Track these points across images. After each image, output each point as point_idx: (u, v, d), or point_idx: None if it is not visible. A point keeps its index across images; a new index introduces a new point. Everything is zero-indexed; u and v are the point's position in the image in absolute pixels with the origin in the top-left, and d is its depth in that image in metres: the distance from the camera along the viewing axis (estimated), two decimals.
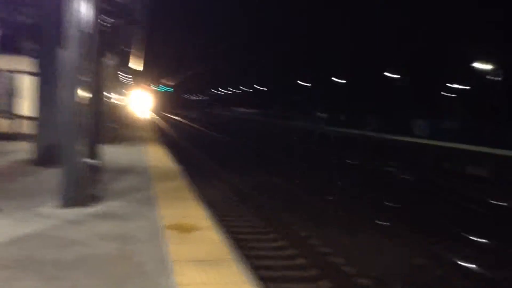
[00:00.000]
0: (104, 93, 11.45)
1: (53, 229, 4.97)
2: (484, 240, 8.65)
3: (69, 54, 5.56)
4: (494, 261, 7.76)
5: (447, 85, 35.14)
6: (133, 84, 35.80)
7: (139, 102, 51.68)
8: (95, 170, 6.47)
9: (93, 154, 6.45)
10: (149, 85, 66.47)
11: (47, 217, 5.41)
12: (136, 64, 24.03)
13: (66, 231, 4.93)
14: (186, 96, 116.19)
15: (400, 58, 35.81)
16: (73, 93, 5.58)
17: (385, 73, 37.36)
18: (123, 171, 9.47)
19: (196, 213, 5.95)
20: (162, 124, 48.11)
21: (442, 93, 35.12)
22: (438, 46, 31.68)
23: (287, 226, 9.26)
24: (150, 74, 53.86)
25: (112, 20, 7.98)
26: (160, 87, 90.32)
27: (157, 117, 59.33)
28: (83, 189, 6.01)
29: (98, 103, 6.81)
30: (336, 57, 43.42)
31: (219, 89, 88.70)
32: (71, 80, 5.53)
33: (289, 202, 11.70)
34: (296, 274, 7.00)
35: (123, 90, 27.44)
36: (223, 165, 17.68)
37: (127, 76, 29.58)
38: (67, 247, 4.35)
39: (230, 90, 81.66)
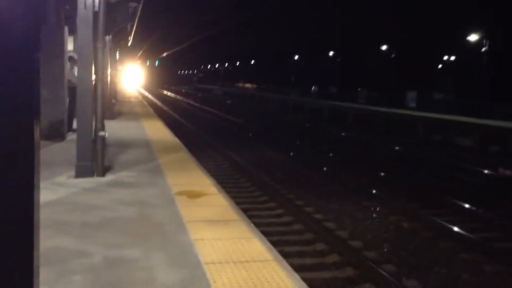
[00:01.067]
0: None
1: (75, 196, 5.44)
2: (468, 206, 9.23)
3: (81, 34, 5.92)
4: (478, 224, 8.36)
5: (438, 58, 35.57)
6: (125, 59, 35.77)
7: (132, 77, 51.55)
8: (105, 143, 6.89)
9: (102, 128, 6.86)
10: (142, 60, 66.08)
11: (66, 186, 5.86)
12: (128, 39, 24.15)
13: (87, 197, 5.40)
14: (181, 71, 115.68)
15: (393, 32, 36.07)
16: (87, 70, 5.97)
17: (380, 48, 37.64)
18: (127, 144, 9.88)
19: (202, 181, 6.43)
20: (156, 99, 48.19)
21: (433, 65, 35.57)
22: (428, 19, 31.95)
23: (284, 196, 9.77)
24: (143, 49, 53.57)
25: None
26: (148, 63, 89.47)
27: (150, 93, 59.31)
28: (96, 160, 6.46)
29: (103, 79, 7.19)
30: (328, 31, 43.52)
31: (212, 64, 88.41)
32: (85, 60, 5.91)
33: (285, 175, 12.20)
34: (294, 238, 7.54)
35: (117, 66, 27.55)
36: (220, 140, 18.12)
37: (120, 51, 29.61)
38: (91, 211, 4.83)
39: (223, 65, 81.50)
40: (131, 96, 34.67)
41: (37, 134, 1.47)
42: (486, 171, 12.56)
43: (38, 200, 1.50)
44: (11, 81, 1.37)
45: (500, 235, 7.92)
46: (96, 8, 5.88)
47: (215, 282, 3.24)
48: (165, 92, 70.63)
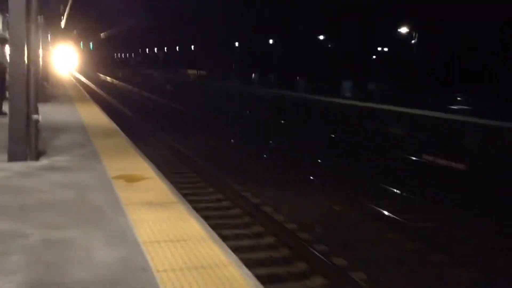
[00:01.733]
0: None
1: (8, 179, 5.33)
2: (397, 190, 9.88)
3: (13, 13, 5.74)
4: (402, 205, 8.99)
5: (373, 49, 36.96)
6: (58, 41, 34.28)
7: (65, 60, 49.46)
8: (37, 126, 6.74)
9: (35, 111, 6.70)
10: (76, 43, 63.39)
11: None
12: (61, 19, 23.21)
13: (21, 181, 5.32)
14: (117, 55, 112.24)
15: (331, 21, 37.00)
16: (19, 52, 5.81)
17: (318, 37, 38.49)
18: (61, 128, 9.66)
19: (141, 166, 6.48)
20: (92, 84, 46.59)
21: (368, 56, 36.92)
22: (365, 10, 33.07)
23: (223, 182, 9.97)
24: (78, 32, 51.48)
25: None
26: (82, 45, 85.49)
27: (86, 77, 57.13)
28: (29, 144, 6.32)
29: (35, 61, 7.00)
30: (268, 19, 43.90)
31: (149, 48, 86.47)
32: (17, 41, 5.74)
33: (224, 162, 12.40)
34: (232, 222, 7.77)
35: (49, 48, 26.38)
36: (160, 127, 17.99)
37: (53, 33, 28.34)
38: (27, 194, 4.78)
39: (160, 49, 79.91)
40: (64, 79, 33.36)
41: None
42: (412, 157, 13.41)
43: None
44: None
45: (421, 215, 8.58)
46: None
47: (152, 258, 3.38)
48: (101, 76, 68.36)
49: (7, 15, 14.63)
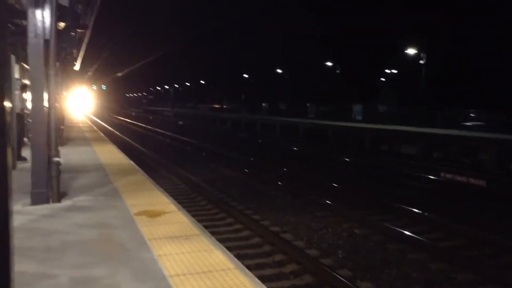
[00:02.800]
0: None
1: (33, 223, 5.43)
2: (416, 210, 9.78)
3: (32, 62, 5.97)
4: (424, 225, 8.89)
5: (381, 72, 37.17)
6: (73, 84, 35.10)
7: (80, 102, 50.44)
8: (59, 169, 6.89)
9: (56, 154, 6.87)
10: (89, 85, 64.74)
11: (23, 213, 5.84)
12: (74, 64, 23.83)
13: (46, 223, 5.41)
14: (129, 94, 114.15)
15: (337, 48, 37.46)
16: (40, 97, 6.01)
17: (326, 63, 38.89)
18: (80, 169, 9.82)
19: (161, 201, 6.55)
20: (106, 124, 47.31)
21: (377, 79, 37.11)
22: (372, 35, 33.48)
23: (241, 212, 9.99)
24: (89, 74, 52.67)
25: (62, 24, 8.31)
26: (96, 87, 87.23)
27: (100, 118, 57.89)
28: (51, 186, 6.45)
29: (55, 106, 7.22)
30: (275, 50, 44.58)
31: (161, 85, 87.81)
32: (37, 87, 5.96)
33: (241, 191, 12.43)
34: (253, 252, 7.75)
35: (64, 92, 27.01)
36: (173, 161, 18.14)
37: (67, 77, 29.06)
38: (52, 236, 4.86)
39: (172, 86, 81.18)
40: (79, 122, 33.99)
41: (9, 162, 1.67)
42: (430, 176, 13.31)
43: (12, 223, 1.69)
44: None
45: (443, 235, 8.47)
46: (47, 36, 5.96)
47: None
48: (115, 116, 69.25)
49: (23, 63, 15.10)
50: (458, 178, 12.76)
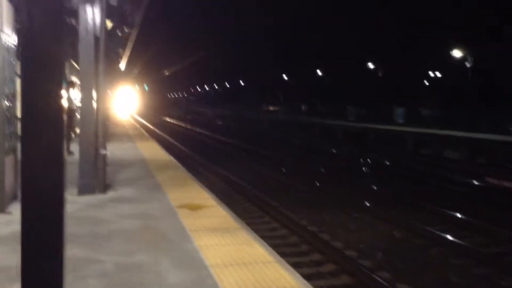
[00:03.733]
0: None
1: (80, 211, 5.66)
2: (459, 215, 9.52)
3: (83, 57, 6.22)
4: (467, 231, 8.65)
5: (424, 74, 36.32)
6: (118, 84, 36.11)
7: (124, 101, 51.68)
8: (106, 161, 7.13)
9: (103, 146, 7.11)
10: (133, 84, 66.24)
11: (70, 202, 6.07)
12: (120, 62, 24.52)
13: (92, 212, 5.62)
14: (171, 94, 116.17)
15: (378, 49, 36.87)
16: (90, 92, 6.26)
17: (367, 64, 38.36)
18: (124, 164, 10.11)
19: (201, 195, 6.68)
20: (148, 123, 48.35)
21: (420, 81, 36.28)
22: (413, 36, 32.76)
23: (279, 211, 9.99)
24: (134, 74, 54.01)
25: (110, 23, 8.58)
26: (142, 87, 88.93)
27: (144, 118, 58.79)
28: (97, 177, 6.69)
29: (102, 101, 7.48)
30: (314, 51, 44.31)
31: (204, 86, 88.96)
32: (87, 82, 6.20)
33: (281, 191, 12.43)
34: (291, 250, 7.75)
35: (109, 91, 27.84)
36: (213, 160, 18.36)
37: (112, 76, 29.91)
38: (99, 224, 5.05)
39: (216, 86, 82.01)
40: (122, 121, 34.94)
41: (64, 153, 1.83)
42: (475, 182, 12.92)
43: (65, 207, 1.84)
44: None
45: (488, 241, 8.21)
46: (97, 34, 6.19)
47: (221, 281, 3.47)
48: (165, 119, 69.79)
49: (71, 60, 15.66)
50: (505, 183, 12.34)
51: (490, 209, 9.99)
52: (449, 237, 8.12)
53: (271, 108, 54.07)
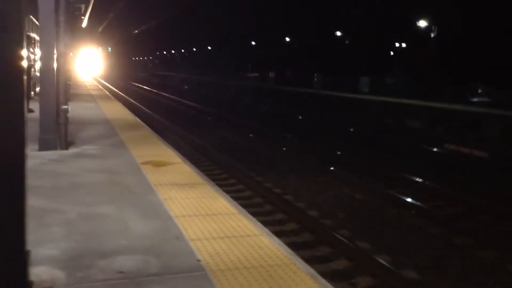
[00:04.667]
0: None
1: (41, 165, 5.54)
2: (418, 179, 9.86)
3: (43, 18, 5.97)
4: (425, 193, 8.99)
5: (389, 44, 36.68)
6: (80, 44, 34.90)
7: (87, 63, 50.14)
8: (67, 117, 6.96)
9: (64, 102, 6.93)
10: (97, 46, 64.13)
11: (31, 157, 5.90)
12: (82, 20, 23.61)
13: (54, 166, 5.52)
14: (135, 58, 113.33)
15: (345, 18, 36.89)
16: (50, 48, 6.04)
17: (335, 33, 38.37)
18: (86, 122, 9.91)
19: (166, 153, 6.64)
20: (108, 84, 47.18)
21: (385, 51, 36.65)
22: (380, 6, 32.87)
23: (244, 173, 10.08)
24: (96, 33, 52.22)
25: None
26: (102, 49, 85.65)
27: (106, 80, 57.18)
28: (59, 133, 6.54)
29: (64, 54, 7.24)
30: (283, 18, 43.92)
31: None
32: (47, 36, 5.97)
33: (245, 155, 12.50)
34: (255, 210, 7.87)
35: (71, 52, 26.88)
36: (179, 123, 18.21)
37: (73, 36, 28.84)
38: (60, 177, 4.97)
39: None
40: (85, 82, 33.97)
41: (25, 111, 2.00)
42: (434, 149, 13.35)
43: (26, 161, 2.06)
44: None
45: (445, 203, 8.57)
46: None
47: (185, 229, 3.51)
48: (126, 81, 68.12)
49: (31, 16, 14.99)
50: (462, 149, 12.81)
51: (448, 173, 10.39)
52: (408, 199, 8.43)
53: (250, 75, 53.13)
